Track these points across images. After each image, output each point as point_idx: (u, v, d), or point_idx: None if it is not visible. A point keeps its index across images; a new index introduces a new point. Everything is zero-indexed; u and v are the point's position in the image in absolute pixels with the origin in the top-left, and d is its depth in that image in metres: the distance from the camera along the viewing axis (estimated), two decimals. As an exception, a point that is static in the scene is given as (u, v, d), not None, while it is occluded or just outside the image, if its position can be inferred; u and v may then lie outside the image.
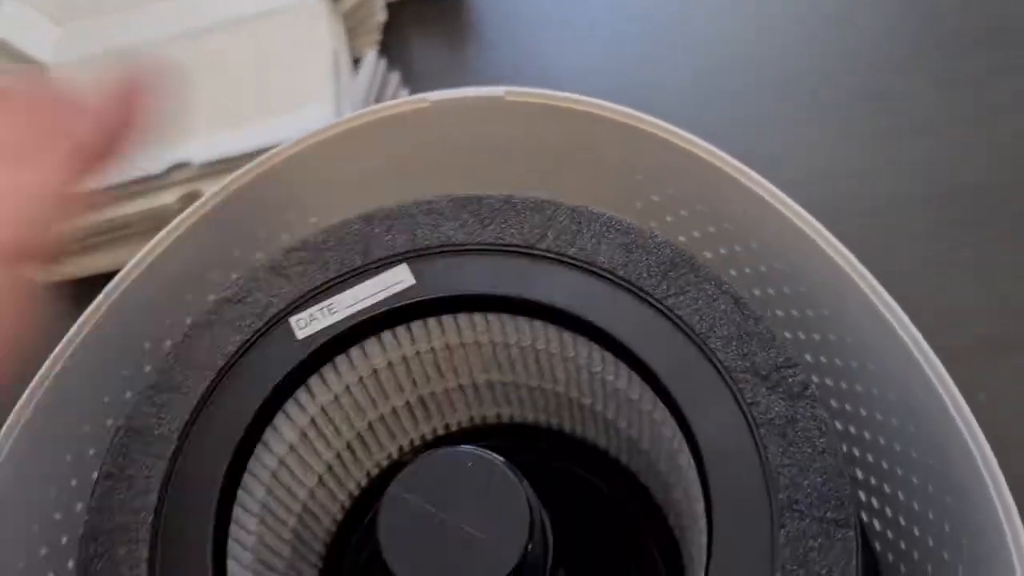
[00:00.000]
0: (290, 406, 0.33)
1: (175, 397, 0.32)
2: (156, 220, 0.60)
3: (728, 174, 0.34)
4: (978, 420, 0.30)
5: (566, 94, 0.37)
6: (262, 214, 0.38)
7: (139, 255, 0.36)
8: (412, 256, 0.33)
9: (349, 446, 0.38)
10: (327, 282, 0.33)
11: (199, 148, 0.59)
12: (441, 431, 0.41)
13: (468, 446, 0.31)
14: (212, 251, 0.38)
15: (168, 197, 0.60)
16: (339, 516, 0.40)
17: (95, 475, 0.37)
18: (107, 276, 0.61)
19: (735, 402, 0.30)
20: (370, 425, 0.38)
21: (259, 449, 0.32)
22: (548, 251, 0.33)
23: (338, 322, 0.32)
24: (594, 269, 0.32)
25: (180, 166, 0.59)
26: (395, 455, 0.40)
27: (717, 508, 0.29)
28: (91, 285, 0.62)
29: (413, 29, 0.71)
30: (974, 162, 0.57)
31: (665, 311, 0.31)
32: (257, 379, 0.32)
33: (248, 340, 0.32)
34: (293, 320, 0.33)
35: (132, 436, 0.31)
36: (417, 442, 0.41)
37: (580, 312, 0.32)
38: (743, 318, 0.31)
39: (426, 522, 0.30)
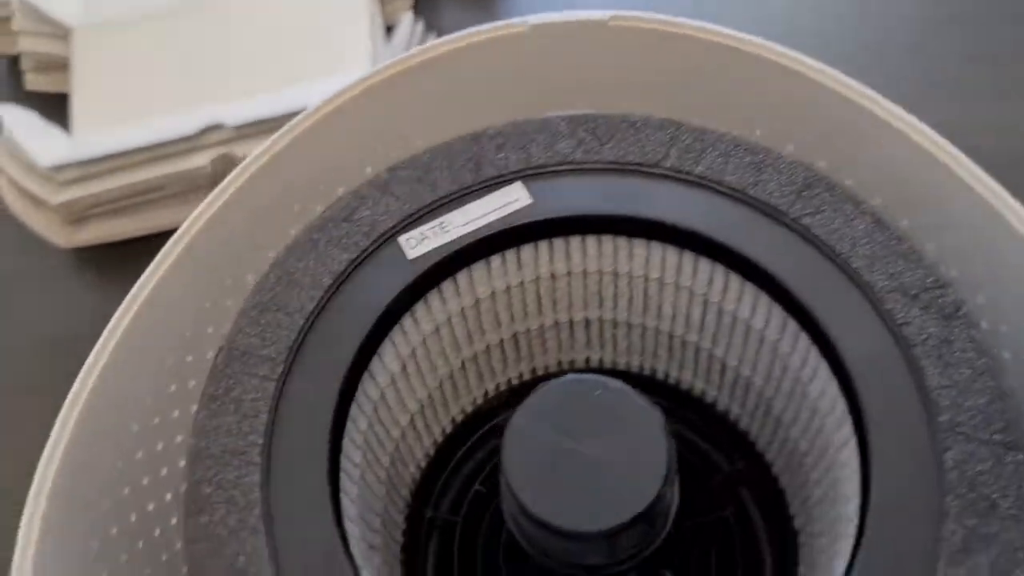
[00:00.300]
0: (396, 333, 0.31)
1: (280, 317, 0.30)
2: (187, 183, 0.58)
3: (858, 102, 0.32)
4: None
5: (674, 18, 0.35)
6: (353, 141, 0.36)
7: (213, 193, 0.34)
8: (527, 174, 0.31)
9: (441, 386, 0.36)
10: (437, 200, 0.31)
11: (234, 110, 0.57)
12: (528, 376, 0.39)
13: (593, 374, 0.30)
14: (299, 181, 0.36)
15: (200, 160, 0.58)
16: (423, 463, 0.38)
17: (175, 413, 0.35)
18: (135, 241, 0.60)
19: (883, 323, 0.28)
20: (463, 364, 0.36)
21: (365, 377, 0.30)
22: (672, 170, 0.31)
23: (452, 241, 0.31)
24: (722, 188, 0.31)
25: (214, 128, 0.57)
26: (480, 401, 0.39)
27: (874, 433, 0.27)
28: (119, 251, 0.60)
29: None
30: None
31: (801, 231, 0.30)
32: (367, 299, 0.30)
33: (356, 259, 0.30)
34: (403, 239, 0.31)
35: (235, 357, 0.29)
36: (503, 387, 0.39)
37: (709, 232, 0.30)
38: (886, 237, 0.29)
39: (554, 452, 0.28)
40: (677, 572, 0.35)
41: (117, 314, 0.33)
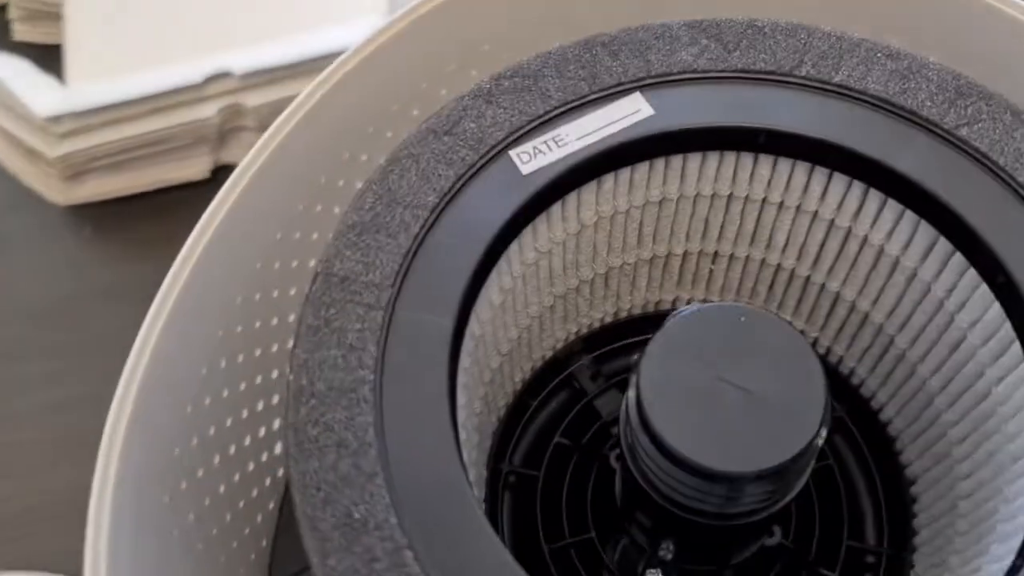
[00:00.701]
0: (502, 260, 0.28)
1: (382, 239, 0.26)
2: (193, 135, 0.54)
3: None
4: None
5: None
6: (439, 49, 0.33)
7: (299, 97, 0.31)
8: (647, 84, 0.28)
9: (530, 326, 0.33)
10: (549, 112, 0.28)
11: (241, 57, 0.53)
12: (609, 319, 0.36)
13: (735, 303, 0.27)
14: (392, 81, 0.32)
15: (207, 110, 0.53)
16: (503, 413, 0.35)
17: (240, 357, 0.31)
18: (134, 198, 0.56)
19: (1055, 241, 0.26)
20: (553, 302, 0.33)
21: (475, 306, 0.27)
22: (808, 79, 0.28)
23: (567, 155, 0.27)
24: (865, 98, 0.28)
25: (220, 76, 0.53)
26: (559, 346, 0.36)
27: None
28: (117, 208, 0.56)
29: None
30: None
31: (957, 143, 0.27)
32: (479, 220, 0.27)
33: (463, 174, 0.27)
34: (514, 153, 0.27)
35: (335, 284, 0.26)
36: (584, 330, 0.36)
37: (853, 145, 0.27)
38: (1053, 149, 0.27)
39: (698, 384, 0.25)
40: (783, 522, 0.32)
41: (199, 227, 0.29)
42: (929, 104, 0.27)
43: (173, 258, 0.59)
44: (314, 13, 0.57)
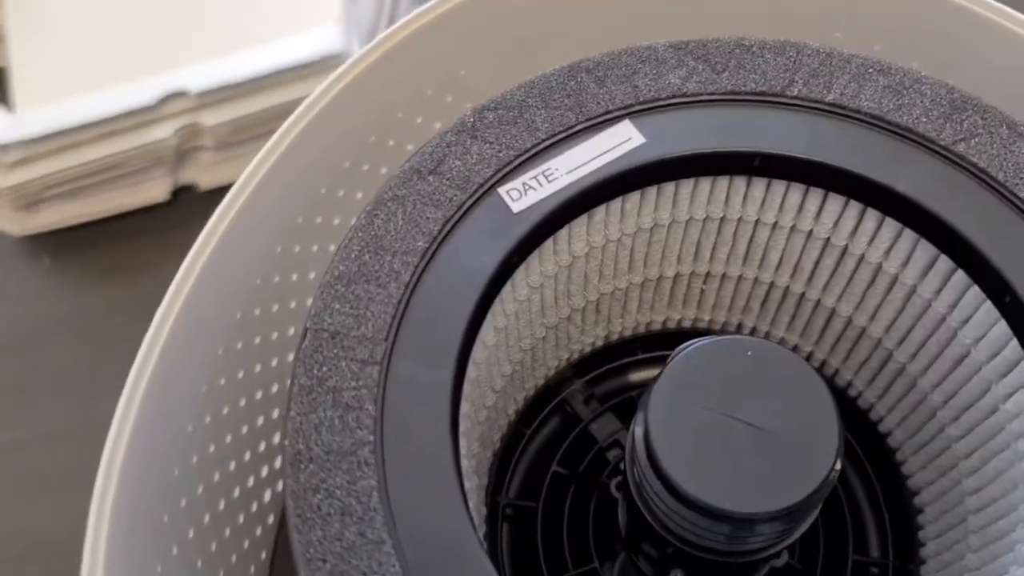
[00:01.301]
0: (497, 301, 0.27)
1: (372, 289, 0.25)
2: (149, 158, 0.52)
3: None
4: None
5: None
6: (422, 75, 0.32)
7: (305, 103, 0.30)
8: (636, 111, 0.27)
9: (523, 359, 0.32)
10: (536, 145, 0.27)
11: (196, 75, 0.52)
12: (600, 342, 0.35)
13: (742, 336, 0.26)
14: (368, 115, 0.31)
15: (163, 131, 0.52)
16: (498, 447, 0.34)
17: (240, 373, 0.30)
18: (93, 224, 0.54)
19: (1058, 256, 0.25)
20: (545, 333, 0.32)
21: (471, 354, 0.26)
22: (800, 98, 0.27)
23: (560, 190, 0.26)
24: (859, 117, 0.27)
25: (175, 95, 0.51)
26: (551, 373, 0.35)
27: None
28: (77, 235, 0.54)
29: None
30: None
31: (954, 159, 0.27)
32: (472, 263, 0.25)
33: (452, 216, 0.26)
34: (504, 190, 0.26)
35: (326, 340, 0.24)
36: (575, 356, 0.35)
37: (849, 165, 0.27)
38: (1051, 161, 0.26)
39: (707, 422, 0.24)
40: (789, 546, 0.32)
41: (174, 284, 0.28)
42: (924, 120, 0.27)
43: (136, 284, 0.57)
44: (267, 26, 0.55)
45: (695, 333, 0.35)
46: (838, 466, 0.24)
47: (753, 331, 0.35)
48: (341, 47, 0.52)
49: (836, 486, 0.34)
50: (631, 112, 0.27)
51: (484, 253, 0.26)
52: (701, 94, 0.27)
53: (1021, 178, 0.26)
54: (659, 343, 0.36)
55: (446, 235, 0.26)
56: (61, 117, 0.51)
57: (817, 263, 0.30)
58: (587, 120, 0.27)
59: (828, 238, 0.29)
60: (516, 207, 0.26)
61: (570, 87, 0.28)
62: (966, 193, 0.26)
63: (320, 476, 0.23)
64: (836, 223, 0.29)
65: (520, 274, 0.27)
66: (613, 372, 0.36)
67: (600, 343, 0.35)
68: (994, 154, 0.26)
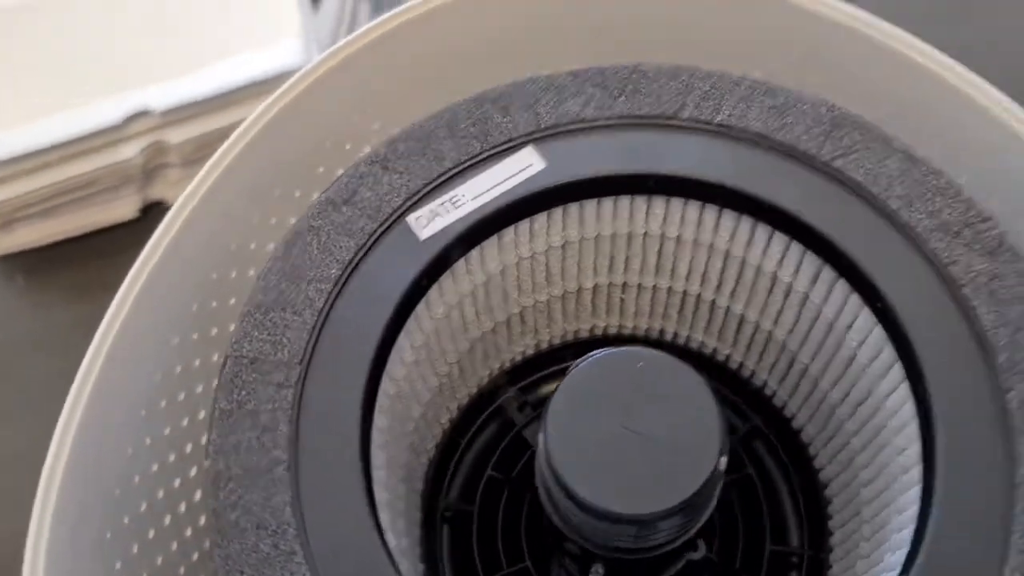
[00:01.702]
0: (411, 322, 0.29)
1: (288, 316, 0.27)
2: (118, 177, 0.54)
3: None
4: None
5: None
6: (326, 120, 0.33)
7: (204, 170, 0.31)
8: (537, 137, 0.29)
9: (449, 372, 0.34)
10: (443, 174, 0.29)
11: (160, 93, 0.53)
12: (531, 351, 0.37)
13: (637, 347, 0.28)
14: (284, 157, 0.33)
15: (129, 150, 0.53)
16: (432, 455, 0.36)
17: (181, 395, 0.32)
18: (67, 242, 0.55)
19: (928, 263, 0.27)
20: (470, 346, 0.34)
21: (384, 373, 0.28)
22: (692, 120, 0.29)
23: (465, 216, 0.28)
24: (747, 136, 0.29)
25: (140, 115, 0.53)
26: (484, 382, 0.37)
27: (931, 379, 0.26)
28: (50, 254, 0.56)
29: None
30: None
31: (833, 174, 0.28)
32: (381, 289, 0.27)
33: (364, 244, 0.28)
34: (412, 218, 0.28)
35: (244, 366, 0.26)
36: (507, 365, 0.37)
37: (737, 183, 0.29)
38: (922, 174, 0.28)
39: (602, 432, 0.26)
40: (707, 536, 0.34)
41: (112, 308, 0.30)
42: (806, 138, 0.29)
43: (108, 301, 0.58)
44: (229, 41, 0.56)
45: (620, 339, 0.37)
46: (722, 465, 0.26)
47: (675, 335, 0.37)
48: (301, 61, 0.54)
49: (755, 480, 0.36)
50: (533, 139, 0.29)
51: (392, 279, 0.27)
52: (598, 119, 0.29)
53: (891, 191, 0.28)
54: (588, 349, 0.37)
55: (358, 263, 0.28)
56: (27, 139, 0.53)
57: (722, 273, 0.32)
58: (492, 148, 0.29)
59: (728, 250, 0.31)
60: (423, 234, 0.28)
61: (476, 116, 0.29)
62: (843, 206, 0.28)
63: (238, 493, 0.25)
64: (732, 236, 0.30)
65: (434, 294, 0.29)
66: (545, 379, 0.38)
67: (531, 351, 0.37)
68: (869, 168, 0.28)
